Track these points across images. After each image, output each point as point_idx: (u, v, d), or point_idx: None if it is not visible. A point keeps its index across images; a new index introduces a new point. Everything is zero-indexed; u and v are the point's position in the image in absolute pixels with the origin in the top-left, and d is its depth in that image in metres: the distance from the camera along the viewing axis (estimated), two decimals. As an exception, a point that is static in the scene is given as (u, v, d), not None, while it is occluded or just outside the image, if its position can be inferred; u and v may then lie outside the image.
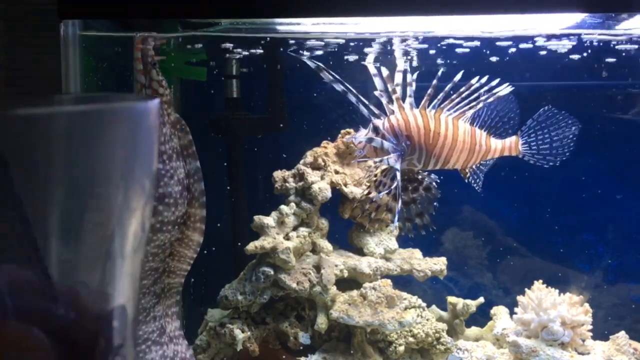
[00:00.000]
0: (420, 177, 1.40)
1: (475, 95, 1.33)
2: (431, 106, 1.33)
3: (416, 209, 1.38)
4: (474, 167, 1.42)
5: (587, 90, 1.81)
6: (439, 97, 1.33)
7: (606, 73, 1.71)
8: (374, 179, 1.38)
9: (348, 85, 1.28)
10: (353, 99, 1.28)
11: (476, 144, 1.37)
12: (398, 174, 1.30)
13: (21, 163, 0.26)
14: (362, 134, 1.33)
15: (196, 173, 1.15)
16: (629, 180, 1.84)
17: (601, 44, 1.53)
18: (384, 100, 1.31)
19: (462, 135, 1.35)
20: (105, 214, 0.29)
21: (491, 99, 1.33)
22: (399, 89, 1.31)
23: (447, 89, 1.32)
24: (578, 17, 1.31)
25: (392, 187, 1.32)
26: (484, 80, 1.31)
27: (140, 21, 1.30)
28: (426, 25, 1.42)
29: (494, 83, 1.32)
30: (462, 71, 1.31)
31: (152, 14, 1.21)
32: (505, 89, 1.32)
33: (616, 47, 1.55)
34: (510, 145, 1.41)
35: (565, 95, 1.81)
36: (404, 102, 1.32)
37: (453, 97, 1.33)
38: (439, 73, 1.31)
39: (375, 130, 1.32)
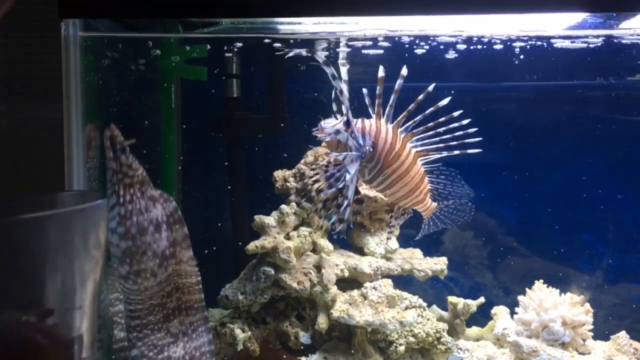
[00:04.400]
0: (361, 190, 1.41)
1: (449, 135, 1.31)
2: (404, 127, 1.31)
3: (342, 213, 1.33)
4: (402, 210, 1.43)
5: (588, 90, 1.81)
6: (415, 119, 1.30)
7: (607, 73, 1.71)
8: (324, 167, 1.35)
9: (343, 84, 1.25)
10: (343, 92, 1.25)
11: (417, 189, 1.37)
12: (354, 172, 1.27)
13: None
14: (333, 123, 1.31)
15: (184, 240, 1.18)
16: (629, 180, 1.84)
17: (602, 43, 1.53)
18: (345, 100, 1.26)
19: (414, 172, 1.34)
20: (77, 275, 0.45)
21: (456, 152, 1.31)
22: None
23: (427, 112, 1.29)
24: (579, 16, 1.31)
25: (346, 182, 1.28)
26: (465, 122, 1.29)
27: (141, 21, 1.30)
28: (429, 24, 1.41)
29: (471, 130, 1.29)
30: (449, 97, 1.28)
31: (152, 13, 1.20)
32: (474, 148, 1.31)
33: (617, 47, 1.55)
34: (430, 207, 1.43)
35: (565, 96, 1.81)
36: (383, 113, 1.30)
37: (429, 125, 1.30)
38: (397, 86, 1.26)
39: (347, 124, 1.29)
